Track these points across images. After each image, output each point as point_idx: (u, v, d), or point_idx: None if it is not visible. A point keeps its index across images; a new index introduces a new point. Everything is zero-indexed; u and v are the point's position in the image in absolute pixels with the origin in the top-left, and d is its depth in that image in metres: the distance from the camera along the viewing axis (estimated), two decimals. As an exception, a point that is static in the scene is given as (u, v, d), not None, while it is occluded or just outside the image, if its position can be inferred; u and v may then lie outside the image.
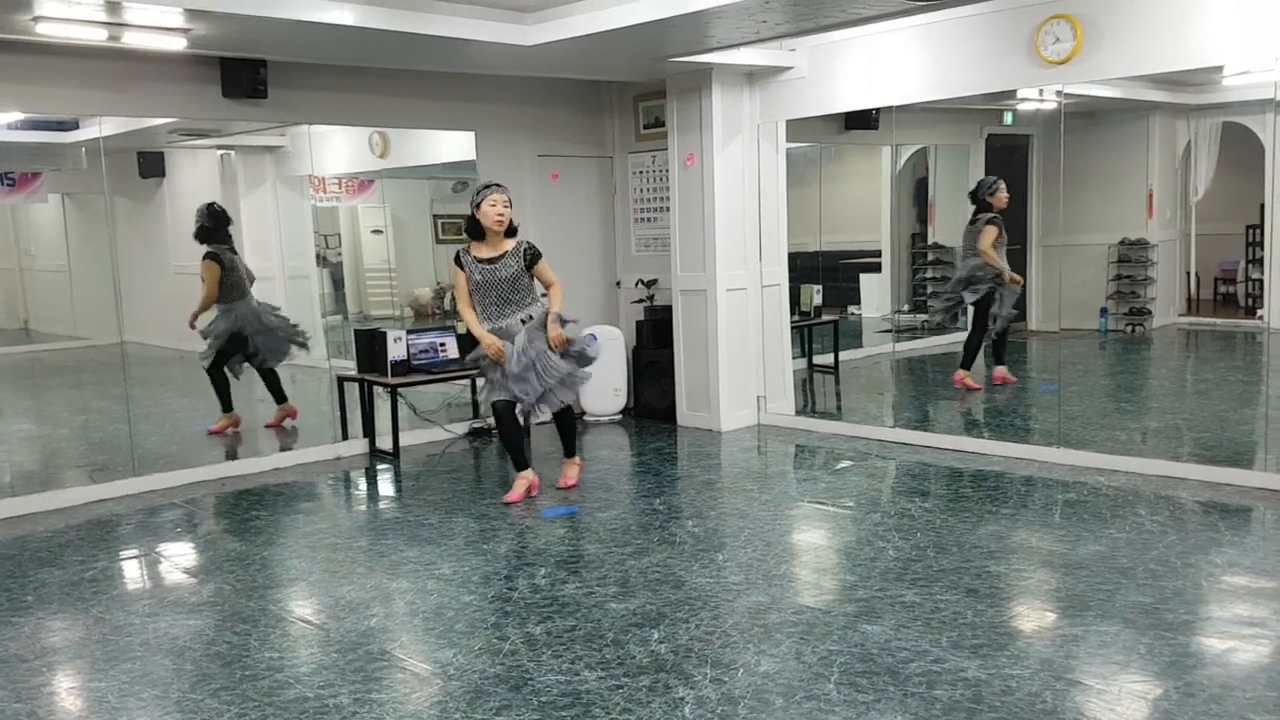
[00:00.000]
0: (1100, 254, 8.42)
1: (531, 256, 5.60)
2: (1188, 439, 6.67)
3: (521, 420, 5.94)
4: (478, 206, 5.55)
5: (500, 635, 3.92)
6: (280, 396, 7.41)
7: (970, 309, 7.88)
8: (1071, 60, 5.86)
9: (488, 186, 5.61)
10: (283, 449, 7.13)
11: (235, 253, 7.12)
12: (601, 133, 8.35)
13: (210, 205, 7.06)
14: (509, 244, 5.62)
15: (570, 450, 6.07)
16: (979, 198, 7.77)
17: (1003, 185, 7.68)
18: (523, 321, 5.59)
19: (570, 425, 5.99)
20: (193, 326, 6.99)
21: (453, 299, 5.79)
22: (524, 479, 5.82)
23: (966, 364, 7.98)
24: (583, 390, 5.93)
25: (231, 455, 7.01)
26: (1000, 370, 8.04)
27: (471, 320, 5.65)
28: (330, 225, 8.35)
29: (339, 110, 7.00)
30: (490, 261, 5.58)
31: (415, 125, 7.58)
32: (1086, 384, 8.16)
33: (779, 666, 3.56)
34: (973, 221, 7.84)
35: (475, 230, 5.61)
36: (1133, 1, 5.65)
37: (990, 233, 7.59)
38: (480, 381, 5.91)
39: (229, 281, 7.05)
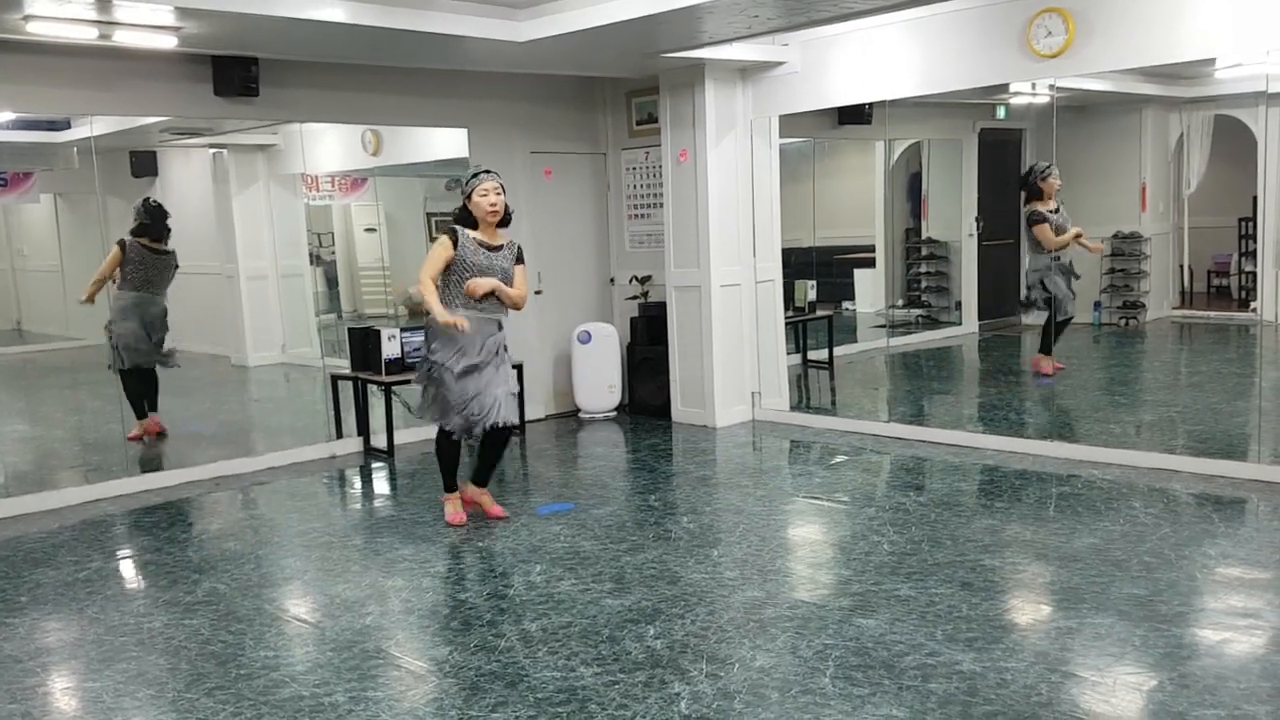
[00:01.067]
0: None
1: (519, 257, 5.28)
2: (1182, 432, 6.68)
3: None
4: (469, 196, 5.13)
5: (496, 632, 3.92)
6: (152, 405, 7.09)
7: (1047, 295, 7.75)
8: (1063, 54, 5.87)
9: (476, 175, 5.17)
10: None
11: (168, 251, 6.92)
12: (595, 129, 8.34)
13: (146, 200, 6.96)
14: (504, 236, 5.28)
15: (486, 479, 5.52)
16: (1029, 184, 7.51)
17: (1056, 170, 7.34)
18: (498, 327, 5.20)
19: (501, 450, 5.43)
20: (85, 301, 6.69)
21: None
22: (455, 498, 5.47)
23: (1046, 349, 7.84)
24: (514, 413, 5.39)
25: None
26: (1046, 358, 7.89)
27: (432, 291, 5.01)
28: (323, 224, 8.34)
29: (331, 108, 6.98)
30: (492, 249, 5.16)
31: (408, 122, 7.58)
32: (1080, 378, 8.17)
33: (774, 661, 3.56)
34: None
35: (468, 220, 5.17)
36: (1124, -5, 5.67)
37: (1045, 230, 7.43)
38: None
39: (140, 273, 6.81)
